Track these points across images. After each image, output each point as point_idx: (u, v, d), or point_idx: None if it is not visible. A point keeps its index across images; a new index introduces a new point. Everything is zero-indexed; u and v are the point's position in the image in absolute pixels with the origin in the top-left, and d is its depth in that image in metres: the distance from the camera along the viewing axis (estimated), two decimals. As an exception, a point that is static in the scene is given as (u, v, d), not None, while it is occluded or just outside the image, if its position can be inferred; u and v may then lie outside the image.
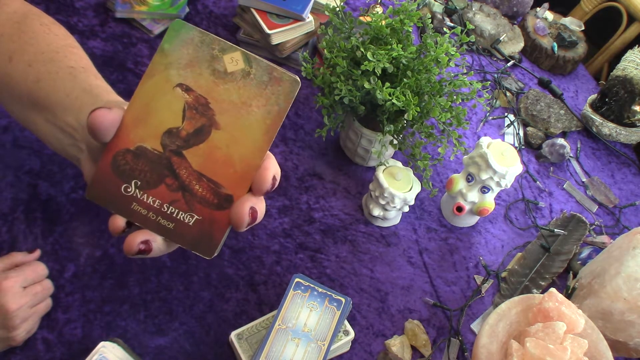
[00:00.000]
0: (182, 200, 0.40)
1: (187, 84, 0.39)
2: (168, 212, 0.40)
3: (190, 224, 0.40)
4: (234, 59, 0.39)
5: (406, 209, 0.89)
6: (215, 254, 0.40)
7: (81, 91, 0.49)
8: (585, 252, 0.93)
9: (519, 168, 0.86)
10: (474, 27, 1.24)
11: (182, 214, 0.40)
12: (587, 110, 1.19)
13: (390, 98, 0.79)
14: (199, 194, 0.40)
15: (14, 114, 0.55)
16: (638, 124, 1.17)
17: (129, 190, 0.40)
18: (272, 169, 0.39)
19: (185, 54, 0.39)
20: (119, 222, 0.39)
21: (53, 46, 0.54)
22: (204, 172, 0.39)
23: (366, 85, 0.79)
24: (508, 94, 1.20)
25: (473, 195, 0.88)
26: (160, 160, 0.39)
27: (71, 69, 0.51)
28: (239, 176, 0.39)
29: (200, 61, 0.39)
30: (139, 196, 0.40)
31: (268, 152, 0.40)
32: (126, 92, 0.96)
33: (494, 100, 1.18)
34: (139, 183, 0.39)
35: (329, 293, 0.72)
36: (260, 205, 0.40)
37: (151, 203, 0.40)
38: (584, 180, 1.10)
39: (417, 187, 0.86)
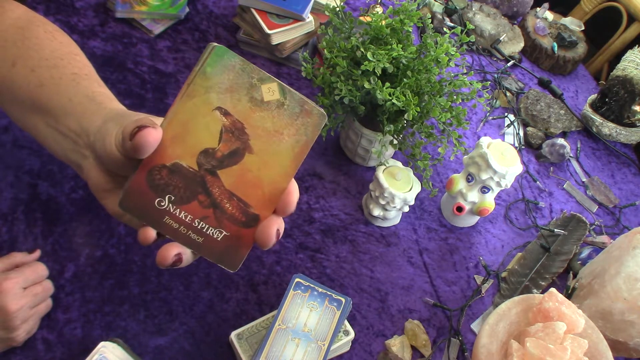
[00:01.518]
0: (213, 216, 0.42)
1: (225, 108, 0.41)
2: (198, 227, 0.42)
3: (219, 239, 0.42)
4: (271, 89, 0.42)
5: (406, 209, 0.89)
6: (239, 268, 0.43)
7: (84, 97, 0.49)
8: (585, 252, 0.93)
9: (519, 168, 0.86)
10: (474, 27, 1.24)
11: (211, 230, 0.42)
12: (587, 110, 1.19)
13: (390, 98, 0.79)
14: (229, 212, 0.42)
15: (14, 117, 0.55)
16: (638, 124, 1.17)
17: (162, 204, 0.42)
18: (296, 194, 0.43)
19: (226, 80, 0.41)
20: (150, 233, 0.41)
21: (57, 53, 0.54)
22: (235, 191, 0.42)
23: (366, 85, 0.79)
24: (508, 94, 1.20)
25: (473, 195, 0.88)
26: (195, 177, 0.42)
27: (74, 75, 0.52)
28: (267, 198, 0.42)
29: (240, 88, 0.41)
30: (171, 210, 0.42)
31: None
32: (126, 92, 0.96)
33: (494, 100, 1.18)
34: (173, 198, 0.42)
35: (329, 293, 0.72)
36: (282, 226, 0.43)
37: (183, 218, 0.42)
38: (584, 180, 1.10)
39: (417, 187, 0.86)
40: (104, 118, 0.46)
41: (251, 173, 0.42)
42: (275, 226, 0.42)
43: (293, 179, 0.43)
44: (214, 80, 0.41)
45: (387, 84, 0.79)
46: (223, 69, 0.41)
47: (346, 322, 0.74)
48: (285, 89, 0.42)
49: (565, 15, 1.51)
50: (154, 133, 0.39)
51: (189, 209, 0.42)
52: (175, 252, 0.41)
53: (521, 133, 1.14)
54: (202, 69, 0.41)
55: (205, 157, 0.41)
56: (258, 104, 0.41)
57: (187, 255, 0.43)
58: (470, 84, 0.84)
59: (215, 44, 0.41)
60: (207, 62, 0.41)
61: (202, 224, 0.42)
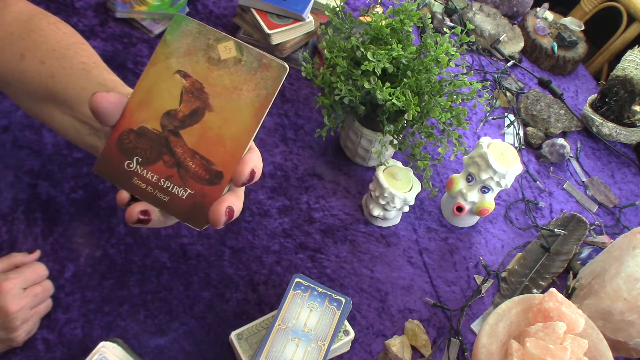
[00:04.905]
0: (177, 175, 0.43)
1: (185, 71, 0.43)
2: (164, 186, 0.43)
3: (184, 197, 0.43)
4: (227, 47, 0.43)
5: (406, 209, 0.89)
6: (206, 227, 0.43)
7: (96, 85, 0.51)
8: (585, 252, 0.93)
9: (519, 168, 0.86)
10: (474, 27, 1.24)
11: (176, 188, 0.43)
12: (587, 110, 1.19)
13: (390, 98, 0.79)
14: (193, 170, 0.43)
15: (27, 107, 0.57)
16: (638, 124, 1.17)
17: (131, 166, 0.43)
18: (251, 163, 0.42)
19: (184, 44, 0.43)
20: (124, 195, 0.43)
21: (63, 43, 0.56)
22: (197, 150, 0.43)
23: (366, 85, 0.79)
24: (508, 94, 1.20)
25: (473, 195, 0.88)
26: (159, 139, 0.43)
27: (84, 64, 0.54)
28: (229, 155, 0.43)
29: (198, 50, 0.43)
30: (139, 171, 0.43)
31: (254, 146, 0.44)
32: (126, 92, 0.96)
33: (494, 100, 1.18)
34: (140, 159, 0.43)
35: (329, 293, 0.72)
36: (237, 203, 0.43)
37: (150, 178, 0.43)
38: (584, 180, 1.10)
39: (417, 187, 0.86)
40: None
41: (212, 131, 0.43)
42: (226, 204, 0.42)
43: (256, 149, 0.44)
44: (173, 46, 0.43)
45: (387, 84, 0.79)
46: (181, 34, 0.43)
47: (346, 322, 0.74)
48: (242, 46, 0.43)
49: (565, 15, 1.51)
50: (106, 96, 0.42)
51: (155, 169, 0.43)
52: (140, 209, 0.42)
53: (521, 133, 1.14)
54: (163, 38, 0.43)
55: (167, 118, 0.43)
56: (215, 62, 0.43)
57: (157, 214, 0.43)
58: (470, 84, 0.84)
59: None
60: (167, 31, 0.43)
61: (168, 183, 0.43)
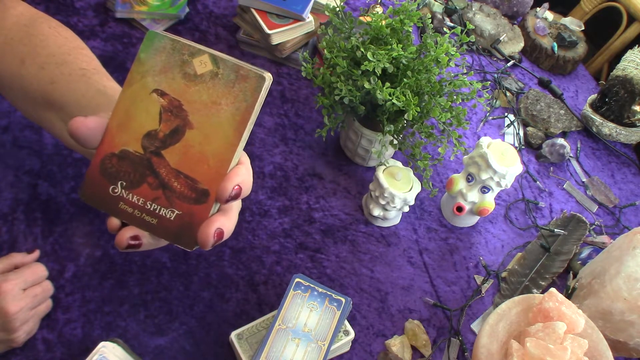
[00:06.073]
0: (163, 197, 0.42)
1: (162, 89, 0.42)
2: (151, 208, 0.42)
3: (172, 218, 0.42)
4: (202, 62, 0.42)
5: (406, 209, 0.89)
6: (196, 247, 0.42)
7: (96, 92, 0.51)
8: (585, 252, 0.93)
9: (519, 168, 0.86)
10: (474, 27, 1.24)
11: (163, 210, 0.42)
12: (587, 110, 1.19)
13: (390, 98, 0.79)
14: (178, 190, 0.42)
15: (27, 113, 0.57)
16: (638, 124, 1.17)
17: (115, 190, 0.42)
18: (236, 178, 0.41)
19: (159, 61, 0.42)
20: (114, 221, 0.42)
21: (64, 49, 0.55)
22: (181, 169, 0.42)
23: (366, 85, 0.79)
24: (508, 94, 1.20)
25: (473, 195, 0.88)
26: (142, 161, 0.42)
27: (84, 70, 0.53)
28: (214, 171, 0.41)
29: (173, 66, 0.42)
30: (124, 195, 0.42)
31: (244, 159, 0.43)
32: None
33: (494, 100, 1.18)
34: (124, 183, 0.42)
35: (329, 293, 0.72)
36: (227, 223, 0.42)
37: (136, 201, 0.42)
38: (584, 180, 1.10)
39: (417, 187, 0.86)
40: None
41: (194, 148, 0.42)
42: (215, 226, 0.41)
43: (244, 160, 0.43)
44: (148, 64, 0.42)
45: (387, 84, 0.79)
46: (155, 52, 0.42)
47: (346, 322, 0.74)
48: (217, 59, 0.41)
49: (565, 15, 1.51)
50: (84, 121, 0.41)
51: (140, 192, 0.42)
52: (130, 234, 0.42)
53: (521, 133, 1.14)
54: (137, 56, 0.42)
55: (148, 139, 0.42)
56: (192, 78, 0.42)
57: (148, 237, 0.42)
58: (470, 84, 0.84)
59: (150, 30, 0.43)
60: (140, 49, 0.42)
61: (154, 206, 0.42)
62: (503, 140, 1.01)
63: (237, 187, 0.41)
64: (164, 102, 0.42)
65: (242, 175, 0.41)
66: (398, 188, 0.84)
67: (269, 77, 0.41)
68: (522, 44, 1.29)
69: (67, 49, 0.55)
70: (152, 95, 0.42)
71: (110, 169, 0.42)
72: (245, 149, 0.43)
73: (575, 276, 0.88)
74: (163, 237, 0.43)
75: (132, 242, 0.42)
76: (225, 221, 0.42)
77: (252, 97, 0.41)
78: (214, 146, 0.41)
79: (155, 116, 0.42)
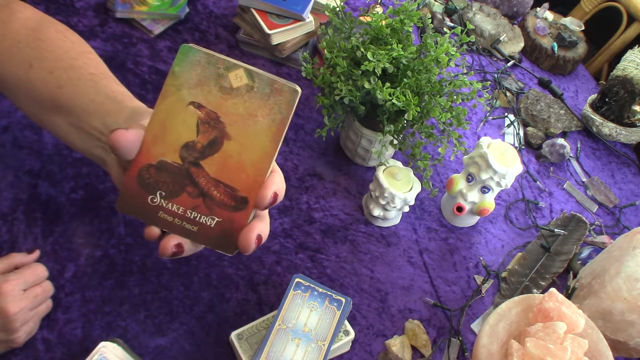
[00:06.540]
0: (203, 205, 0.44)
1: (198, 102, 0.43)
2: (191, 217, 0.44)
3: (212, 225, 0.44)
4: (238, 76, 0.43)
5: (406, 209, 0.89)
6: (236, 252, 0.45)
7: (105, 97, 0.51)
8: (585, 252, 0.93)
9: (519, 168, 0.86)
10: (474, 27, 1.24)
11: (204, 218, 0.44)
12: (587, 110, 1.19)
13: (390, 98, 0.79)
14: (218, 198, 0.44)
15: (33, 116, 0.57)
16: (638, 124, 1.17)
17: (154, 200, 0.44)
18: (273, 186, 0.43)
19: (194, 75, 0.44)
20: (153, 229, 0.44)
21: (71, 53, 0.56)
22: (220, 178, 0.44)
23: (366, 85, 0.79)
24: (508, 94, 1.20)
25: (473, 195, 0.88)
26: (181, 171, 0.44)
27: (92, 75, 0.54)
28: (252, 180, 0.44)
29: (208, 80, 0.43)
30: (164, 205, 0.44)
31: (276, 167, 0.45)
32: (126, 92, 0.95)
33: (494, 100, 1.18)
34: (163, 193, 0.44)
35: (329, 293, 0.72)
36: (265, 229, 0.44)
37: (175, 210, 0.44)
38: (584, 180, 1.10)
39: (417, 187, 0.86)
40: (126, 117, 0.48)
41: (232, 158, 0.43)
42: (255, 232, 0.43)
43: (278, 169, 0.45)
44: (183, 77, 0.43)
45: (387, 84, 0.79)
46: (190, 65, 0.43)
47: (346, 322, 0.74)
48: (252, 73, 0.43)
49: (565, 15, 1.51)
50: (125, 134, 0.42)
51: (180, 201, 0.44)
52: (173, 242, 0.43)
53: (521, 133, 1.14)
54: (172, 70, 0.44)
55: (186, 150, 0.44)
56: (228, 91, 0.43)
57: (188, 244, 0.44)
58: (470, 84, 0.84)
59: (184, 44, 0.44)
60: (174, 63, 0.44)
61: (195, 214, 0.44)
62: (503, 140, 1.01)
63: (274, 194, 0.43)
64: (201, 114, 0.43)
65: (277, 183, 0.44)
66: (398, 188, 0.84)
67: (299, 90, 0.43)
68: (522, 44, 1.29)
69: (74, 54, 0.56)
70: (189, 108, 0.43)
71: (148, 179, 0.44)
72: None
73: (575, 276, 0.88)
74: (204, 243, 0.44)
75: (176, 250, 0.43)
76: (263, 227, 0.44)
77: (286, 110, 0.43)
78: (252, 156, 0.43)
79: (192, 128, 0.43)
